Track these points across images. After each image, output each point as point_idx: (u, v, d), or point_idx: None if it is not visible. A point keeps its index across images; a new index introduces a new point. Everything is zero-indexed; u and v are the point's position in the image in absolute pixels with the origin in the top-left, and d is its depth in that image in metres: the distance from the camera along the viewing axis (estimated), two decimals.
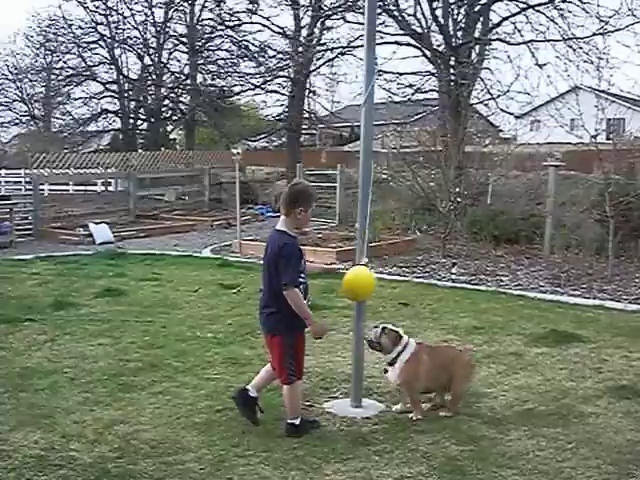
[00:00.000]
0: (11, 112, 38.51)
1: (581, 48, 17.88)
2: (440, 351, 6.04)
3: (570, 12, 18.06)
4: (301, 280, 5.13)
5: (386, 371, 5.71)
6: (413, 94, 22.52)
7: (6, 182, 26.17)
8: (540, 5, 18.70)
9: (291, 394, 5.24)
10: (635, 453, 4.92)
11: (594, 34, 17.63)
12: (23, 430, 5.24)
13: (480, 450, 4.96)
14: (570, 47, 18.09)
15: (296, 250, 5.14)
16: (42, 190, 21.51)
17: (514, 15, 19.28)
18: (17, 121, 39.25)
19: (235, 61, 33.18)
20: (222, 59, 33.88)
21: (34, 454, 4.84)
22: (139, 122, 37.99)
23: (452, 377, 5.66)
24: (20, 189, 23.04)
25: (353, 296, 5.77)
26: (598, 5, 17.44)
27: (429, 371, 5.58)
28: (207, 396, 6.05)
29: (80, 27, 34.28)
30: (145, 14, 34.05)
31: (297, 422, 5.24)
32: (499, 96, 20.15)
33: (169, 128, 40.59)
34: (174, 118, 37.74)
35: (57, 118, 38.99)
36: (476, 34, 19.93)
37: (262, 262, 5.32)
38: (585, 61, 17.76)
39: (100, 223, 18.30)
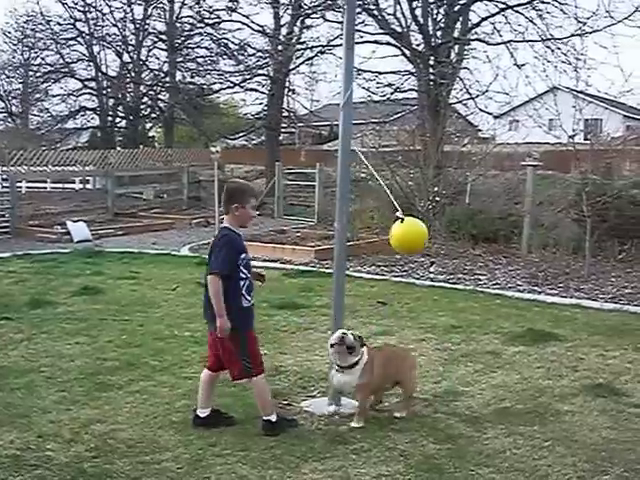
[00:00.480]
0: None
1: (559, 49, 17.99)
2: (388, 353, 5.98)
3: (549, 13, 18.17)
4: (242, 275, 5.14)
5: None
6: (392, 93, 22.52)
7: None
8: (519, 6, 18.78)
9: (257, 390, 5.25)
10: (610, 451, 4.96)
11: (572, 35, 17.75)
12: None
13: (457, 448, 4.98)
14: (548, 48, 18.20)
15: (233, 242, 5.17)
16: (19, 187, 21.35)
17: (493, 15, 19.36)
18: None
19: (214, 59, 33.05)
20: (201, 57, 33.74)
21: (9, 454, 4.80)
22: (118, 120, 37.82)
23: (402, 378, 5.68)
24: None
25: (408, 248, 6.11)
26: (576, 6, 17.57)
27: (381, 374, 5.52)
28: (184, 395, 6.03)
29: (58, 23, 34.10)
30: (124, 11, 33.89)
31: (273, 419, 5.22)
32: (478, 96, 20.22)
33: (148, 126, 40.42)
34: (153, 116, 37.58)
35: (35, 115, 38.74)
36: (455, 34, 19.97)
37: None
38: (563, 62, 17.88)
39: (78, 221, 18.21)
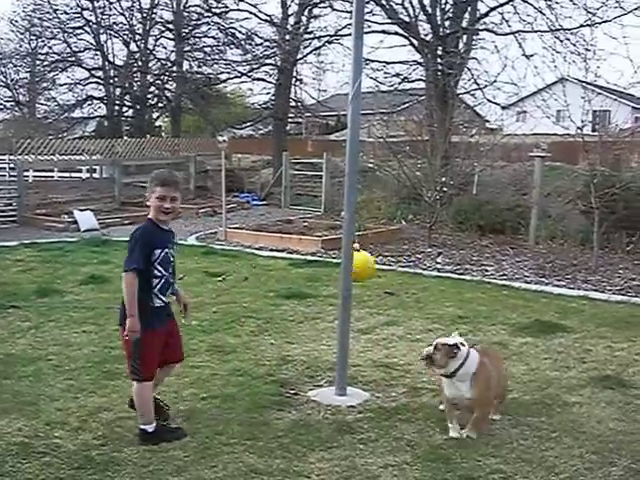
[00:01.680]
0: None
1: (568, 39, 17.90)
2: (494, 355, 5.63)
3: (558, 3, 18.06)
4: (157, 273, 4.85)
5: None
6: (400, 83, 22.48)
7: None
8: None
9: (137, 394, 4.93)
10: (617, 442, 4.95)
11: (581, 25, 17.65)
12: (7, 417, 5.21)
13: (464, 439, 4.97)
14: (557, 38, 18.10)
15: (147, 235, 4.86)
16: (26, 176, 21.36)
17: (502, 5, 19.25)
18: (1, 107, 39.01)
19: (222, 48, 33.04)
20: (209, 46, 33.72)
21: (17, 441, 4.81)
22: (124, 109, 37.83)
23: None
24: (4, 175, 22.81)
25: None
26: None
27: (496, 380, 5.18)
28: (192, 384, 6.04)
29: (65, 12, 34.08)
30: (131, 0, 33.84)
31: (149, 429, 4.90)
32: (486, 86, 20.18)
33: (155, 115, 40.40)
34: (160, 105, 37.56)
35: (42, 104, 38.76)
36: (464, 24, 19.90)
37: None
38: (572, 52, 17.80)
39: (85, 210, 18.22)
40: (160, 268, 4.87)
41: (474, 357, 5.05)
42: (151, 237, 4.88)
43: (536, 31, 18.60)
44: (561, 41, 18.02)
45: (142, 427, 4.92)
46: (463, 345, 5.07)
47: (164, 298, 4.94)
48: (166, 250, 4.92)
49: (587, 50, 17.30)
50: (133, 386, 4.96)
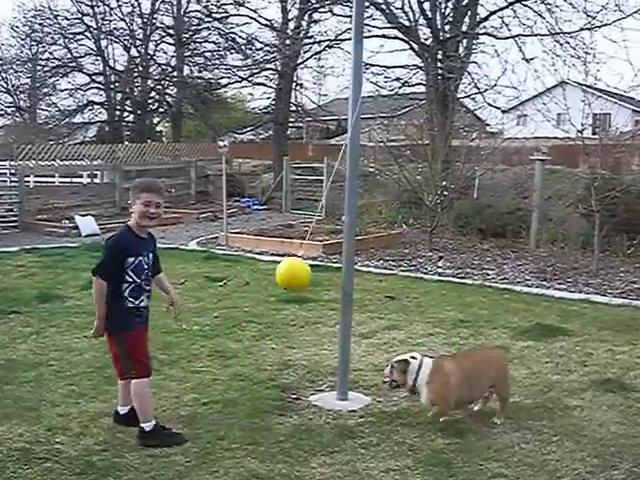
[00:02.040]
0: None
1: (568, 43, 17.93)
2: (467, 360, 5.67)
3: (557, 7, 18.11)
4: (127, 279, 4.92)
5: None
6: (400, 87, 22.52)
7: None
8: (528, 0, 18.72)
9: (135, 393, 5.01)
10: (619, 446, 4.95)
11: (581, 29, 17.68)
12: (8, 423, 5.21)
13: (466, 443, 4.97)
14: (557, 42, 18.13)
15: (121, 243, 4.97)
16: (27, 182, 21.38)
17: (502, 9, 19.27)
18: (2, 112, 39.05)
19: (222, 53, 33.07)
20: (209, 51, 33.75)
21: (19, 447, 4.82)
22: (125, 114, 37.84)
23: (494, 383, 5.44)
24: (5, 181, 22.83)
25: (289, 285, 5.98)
26: (585, 0, 17.49)
27: (458, 385, 5.26)
28: (193, 389, 6.04)
29: (66, 18, 34.11)
30: (132, 5, 33.92)
31: (148, 427, 4.96)
32: (486, 90, 20.17)
33: (155, 120, 40.45)
34: (160, 110, 37.61)
35: (43, 109, 38.77)
36: (464, 28, 19.93)
37: None
38: (572, 56, 17.83)
39: (86, 215, 18.23)
40: (132, 274, 4.95)
41: (426, 367, 5.25)
42: (126, 245, 4.97)
43: (536, 35, 18.63)
44: (561, 45, 18.06)
45: (141, 425, 4.96)
46: (414, 358, 5.32)
47: (135, 301, 5.00)
48: (140, 258, 5.00)
49: (587, 53, 17.35)
50: (131, 386, 5.02)
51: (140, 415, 4.99)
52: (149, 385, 5.10)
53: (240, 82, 32.16)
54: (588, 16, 17.36)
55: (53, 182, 25.35)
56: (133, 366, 4.99)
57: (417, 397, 5.37)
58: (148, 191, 5.07)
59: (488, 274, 11.97)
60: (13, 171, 19.54)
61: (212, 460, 4.67)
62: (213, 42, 33.27)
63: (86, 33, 34.70)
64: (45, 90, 37.09)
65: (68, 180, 25.48)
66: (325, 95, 36.93)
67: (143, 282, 5.03)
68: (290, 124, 33.69)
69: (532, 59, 18.65)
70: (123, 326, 4.94)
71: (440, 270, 12.32)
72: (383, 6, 19.61)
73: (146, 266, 5.05)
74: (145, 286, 5.06)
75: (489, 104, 20.91)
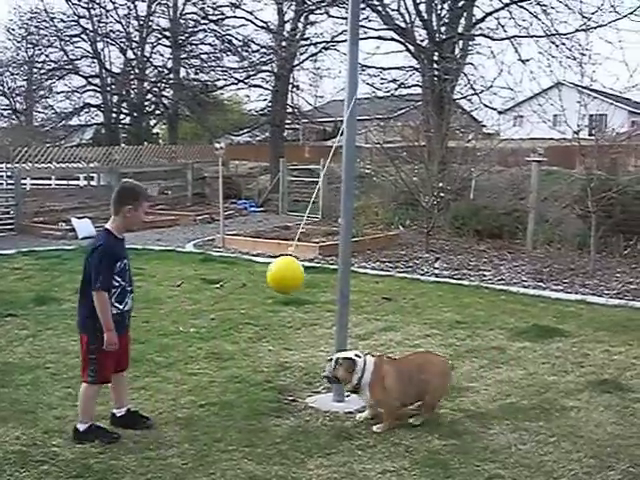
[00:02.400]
0: None
1: (564, 44, 17.99)
2: (407, 363, 5.65)
3: (553, 8, 18.15)
4: (114, 284, 4.97)
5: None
6: (396, 89, 22.58)
7: None
8: (523, 1, 18.75)
9: (85, 395, 5.07)
10: (615, 446, 4.96)
11: (577, 30, 17.74)
12: (4, 426, 5.20)
13: (463, 444, 4.98)
14: (553, 43, 18.19)
15: (110, 251, 5.00)
16: (24, 184, 21.34)
17: (497, 11, 19.31)
18: None
19: (218, 55, 33.05)
20: (205, 53, 33.74)
21: (15, 450, 4.81)
22: (122, 116, 37.79)
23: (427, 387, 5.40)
24: (1, 183, 22.79)
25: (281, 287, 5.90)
26: (581, 1, 17.53)
27: (398, 388, 5.33)
28: (190, 391, 6.04)
29: (62, 20, 34.12)
30: (128, 7, 33.90)
31: (82, 428, 5.02)
32: (482, 91, 20.24)
33: (152, 122, 40.40)
34: (157, 112, 37.57)
35: (39, 112, 38.81)
36: (460, 29, 19.96)
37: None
38: (568, 57, 17.91)
39: (83, 218, 18.20)
40: (118, 279, 5.01)
41: (369, 366, 5.31)
42: (114, 251, 5.04)
43: (532, 36, 18.67)
44: (557, 46, 18.11)
45: (78, 425, 5.05)
46: (358, 357, 5.37)
47: (120, 306, 5.04)
48: (125, 261, 5.11)
49: (583, 55, 17.42)
50: (82, 387, 5.09)
51: (81, 413, 5.07)
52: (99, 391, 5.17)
53: (236, 84, 32.22)
54: (584, 17, 17.43)
55: (50, 185, 25.33)
56: (98, 374, 5.02)
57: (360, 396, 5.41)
58: (148, 199, 5.26)
59: (485, 275, 11.98)
60: (9, 174, 19.49)
61: (209, 462, 4.68)
62: (209, 44, 33.28)
63: (82, 35, 34.69)
64: (41, 92, 37.12)
65: (65, 183, 25.46)
66: (321, 97, 36.99)
67: (127, 284, 5.10)
68: (287, 126, 33.67)
69: (528, 60, 18.71)
70: (101, 332, 4.94)
71: (437, 271, 12.33)
72: (379, 8, 19.66)
73: (127, 267, 5.13)
74: (128, 287, 5.12)
75: (485, 105, 20.99)
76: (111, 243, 5.04)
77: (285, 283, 5.75)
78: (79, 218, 18.09)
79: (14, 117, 39.70)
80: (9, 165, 21.99)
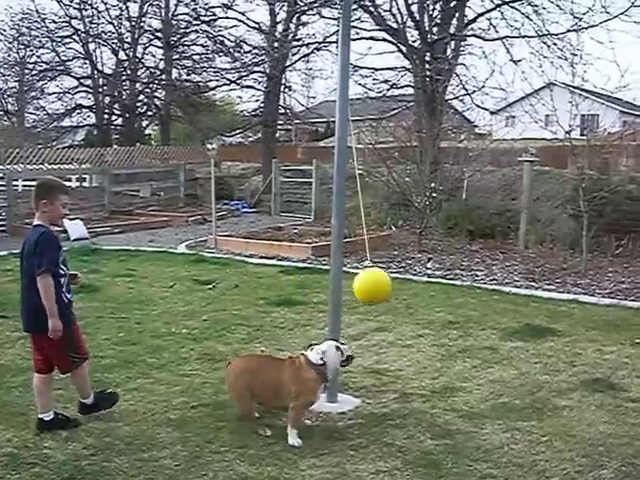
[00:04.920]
0: None
1: (555, 44, 18.01)
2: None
3: (544, 9, 18.17)
4: (61, 272, 5.11)
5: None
6: (388, 90, 22.61)
7: None
8: (515, 1, 18.77)
9: (78, 375, 5.34)
10: (607, 445, 4.97)
11: (568, 30, 17.76)
12: None
13: (455, 444, 4.98)
14: (544, 43, 18.20)
15: (53, 240, 5.11)
16: (16, 186, 21.27)
17: (489, 11, 19.33)
18: None
19: (210, 56, 32.97)
20: (197, 54, 33.66)
21: (7, 452, 4.80)
22: (114, 117, 37.67)
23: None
24: None
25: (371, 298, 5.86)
26: (572, 2, 17.55)
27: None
28: (182, 392, 6.03)
29: (54, 21, 33.97)
30: (120, 8, 33.73)
31: (89, 402, 5.38)
32: (474, 92, 20.29)
33: (144, 123, 40.30)
34: (149, 113, 37.46)
35: (31, 113, 38.60)
36: (451, 30, 19.96)
37: (21, 261, 5.21)
38: (559, 57, 17.93)
39: (74, 219, 18.15)
40: (63, 267, 5.17)
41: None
42: (56, 240, 5.15)
43: (523, 36, 18.68)
44: (548, 46, 18.13)
45: (83, 401, 5.38)
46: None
47: (69, 295, 5.22)
48: (63, 250, 5.25)
49: (574, 55, 17.43)
50: (71, 375, 5.33)
51: (83, 393, 5.38)
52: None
53: (229, 85, 32.15)
54: (575, 18, 17.46)
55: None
56: (79, 356, 5.28)
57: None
58: (66, 193, 5.33)
59: (477, 275, 12.00)
60: (1, 175, 19.45)
61: (201, 463, 4.67)
62: (201, 45, 33.21)
63: (74, 36, 34.56)
64: (33, 94, 36.93)
65: None
66: (314, 97, 37.02)
67: (69, 274, 5.24)
68: (279, 126, 33.66)
69: (520, 61, 18.73)
70: (67, 322, 5.10)
71: (429, 271, 12.34)
72: (371, 8, 19.65)
73: (66, 259, 5.27)
74: (69, 277, 5.26)
75: (477, 105, 21.03)
76: (52, 233, 5.16)
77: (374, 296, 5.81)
78: (71, 219, 18.03)
79: (6, 118, 39.55)
80: (1, 167, 21.92)
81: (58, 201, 5.15)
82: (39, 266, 4.95)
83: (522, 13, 18.59)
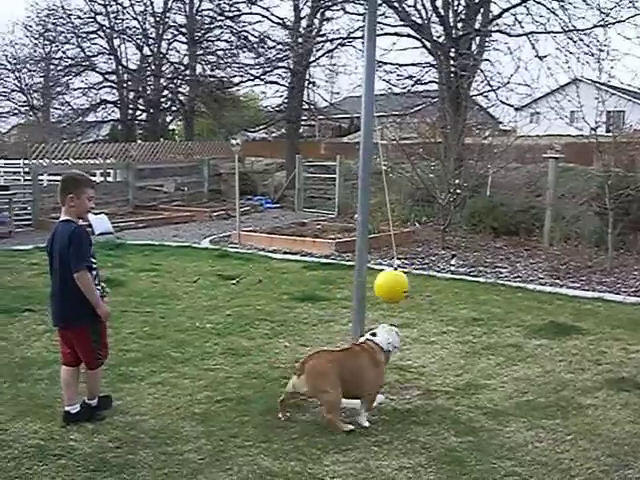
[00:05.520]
0: (10, 102, 38.51)
1: (582, 40, 17.88)
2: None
3: (571, 4, 18.05)
4: (93, 266, 5.18)
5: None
6: (413, 85, 22.55)
7: (5, 172, 26.05)
8: None
9: (96, 376, 5.40)
10: (633, 445, 4.93)
11: (595, 26, 17.63)
12: (23, 420, 5.24)
13: (479, 441, 4.97)
14: (571, 39, 18.09)
15: (84, 236, 5.16)
16: (41, 180, 21.45)
17: (515, 7, 19.23)
18: (16, 111, 39.21)
19: (234, 52, 33.01)
20: (221, 50, 33.72)
21: (34, 444, 4.85)
22: (138, 113, 37.89)
23: None
24: (19, 179, 22.96)
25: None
26: None
27: None
28: (206, 387, 6.06)
29: (79, 17, 34.22)
30: (144, 4, 33.97)
31: (94, 403, 5.37)
32: (499, 88, 20.19)
33: (168, 119, 40.46)
34: (173, 109, 37.62)
35: (56, 108, 38.85)
36: (476, 25, 19.88)
37: (50, 256, 5.24)
38: (586, 53, 17.79)
39: (99, 214, 18.28)
40: (94, 261, 5.24)
41: None
42: (88, 236, 5.20)
43: (549, 32, 18.58)
44: (574, 42, 18.00)
45: (88, 402, 5.35)
46: None
47: (99, 288, 5.26)
48: (92, 246, 5.28)
49: (601, 51, 17.27)
50: (89, 374, 5.34)
51: (92, 393, 5.37)
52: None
53: (252, 80, 32.22)
54: (602, 13, 17.35)
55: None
56: (102, 353, 5.36)
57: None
58: (92, 187, 5.36)
59: (501, 272, 11.94)
60: (27, 170, 19.62)
61: (225, 458, 4.69)
62: (225, 40, 33.27)
63: (99, 32, 34.81)
64: (58, 89, 37.19)
65: None
66: (337, 93, 36.95)
67: (97, 268, 5.31)
68: (302, 122, 33.67)
69: (545, 57, 18.63)
70: (97, 315, 5.16)
71: (453, 268, 12.30)
72: (396, 4, 19.59)
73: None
74: (98, 272, 5.34)
75: (502, 102, 20.94)
76: (83, 228, 5.21)
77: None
78: (96, 214, 18.15)
79: (31, 114, 39.89)
80: (27, 161, 22.12)
81: (85, 195, 5.17)
82: (77, 264, 5.00)
83: (548, 8, 18.49)
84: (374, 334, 5.48)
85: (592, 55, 17.52)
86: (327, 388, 5.14)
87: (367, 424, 5.19)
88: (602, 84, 15.86)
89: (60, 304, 5.18)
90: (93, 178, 25.74)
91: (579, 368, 6.68)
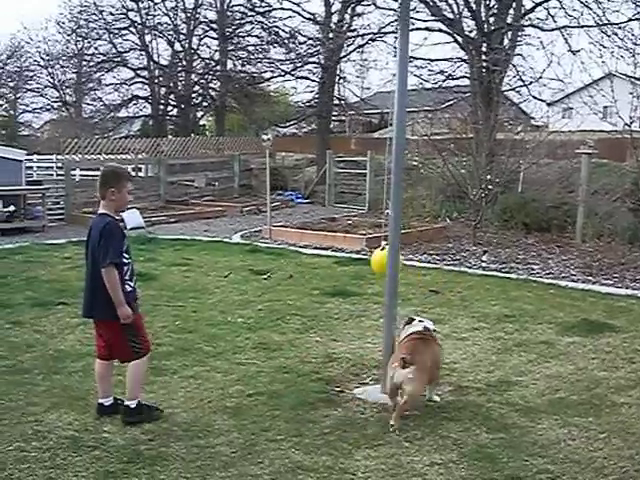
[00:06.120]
0: (43, 98, 39.08)
1: (616, 34, 17.61)
2: None
3: None
4: (125, 261, 5.14)
5: None
6: (444, 81, 22.41)
7: (38, 167, 26.32)
8: None
9: (138, 370, 5.26)
10: None
11: (630, 19, 17.37)
12: (57, 411, 5.31)
13: (511, 438, 4.94)
14: (604, 33, 17.83)
15: (117, 230, 5.16)
16: (73, 175, 21.64)
17: (547, 1, 19.04)
18: (49, 107, 39.78)
19: (265, 47, 33.11)
20: (252, 45, 33.83)
21: (68, 435, 4.91)
22: (169, 108, 38.11)
23: None
24: (52, 174, 23.17)
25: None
26: None
27: None
28: (238, 380, 6.09)
29: (111, 13, 34.52)
30: (175, 0, 34.14)
31: (133, 405, 5.18)
32: (531, 83, 20.01)
33: (199, 114, 40.65)
34: (204, 104, 37.78)
35: (88, 104, 39.29)
36: (508, 20, 19.70)
37: (86, 248, 5.27)
38: (620, 47, 17.52)
39: (131, 208, 18.37)
40: (127, 256, 5.19)
41: None
42: (120, 230, 5.20)
43: (582, 26, 18.35)
44: (608, 36, 17.75)
45: (127, 403, 5.19)
46: None
47: (132, 284, 5.22)
48: (127, 240, 5.27)
49: (636, 45, 17.03)
50: (131, 365, 5.23)
51: (131, 392, 5.21)
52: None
53: (283, 76, 32.25)
54: (637, 6, 17.08)
55: (98, 175, 25.65)
56: (142, 346, 5.24)
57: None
58: (130, 180, 5.38)
59: (533, 269, 11.86)
60: (59, 165, 19.82)
61: (257, 451, 4.71)
62: (256, 36, 33.38)
63: (130, 28, 35.08)
64: (90, 85, 37.60)
65: None
66: (368, 88, 36.92)
67: (132, 261, 5.27)
68: (333, 118, 33.67)
69: (578, 51, 18.43)
70: (131, 309, 5.13)
71: (484, 264, 12.24)
72: None
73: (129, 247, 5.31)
74: (133, 265, 5.30)
75: (534, 97, 20.73)
76: (116, 223, 5.20)
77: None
78: (127, 209, 18.25)
79: (64, 109, 40.32)
80: (59, 156, 22.33)
81: (125, 189, 5.20)
82: (103, 259, 5.00)
83: (581, 2, 18.23)
84: (417, 321, 5.88)
85: (627, 49, 17.29)
86: (426, 380, 5.42)
87: (438, 398, 5.65)
88: (637, 79, 15.67)
89: (90, 297, 5.20)
90: None
91: (612, 366, 6.61)
